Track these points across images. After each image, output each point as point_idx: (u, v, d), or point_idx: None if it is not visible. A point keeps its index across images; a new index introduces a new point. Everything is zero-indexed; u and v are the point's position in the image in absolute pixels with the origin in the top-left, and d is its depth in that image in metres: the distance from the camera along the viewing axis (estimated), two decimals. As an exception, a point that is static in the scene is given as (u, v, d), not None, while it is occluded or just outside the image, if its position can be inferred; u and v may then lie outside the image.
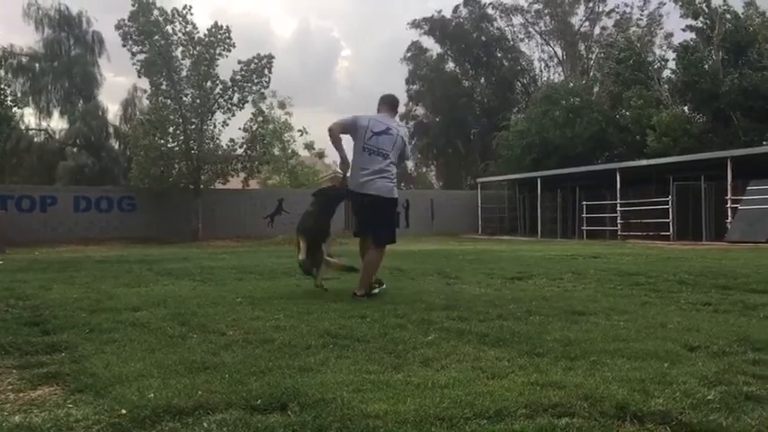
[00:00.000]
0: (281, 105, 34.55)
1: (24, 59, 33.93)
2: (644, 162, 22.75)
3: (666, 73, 27.66)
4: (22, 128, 32.08)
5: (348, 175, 6.26)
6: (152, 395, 2.74)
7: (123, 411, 2.55)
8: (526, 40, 42.14)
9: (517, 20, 41.53)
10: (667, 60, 28.28)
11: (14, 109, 23.24)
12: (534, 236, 25.72)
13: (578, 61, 41.21)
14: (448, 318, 4.71)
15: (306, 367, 3.28)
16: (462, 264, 10.20)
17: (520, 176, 27.83)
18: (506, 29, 41.91)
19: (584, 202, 24.24)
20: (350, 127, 6.14)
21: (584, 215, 24.09)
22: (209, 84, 23.71)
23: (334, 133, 6.06)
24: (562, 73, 40.78)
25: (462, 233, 27.49)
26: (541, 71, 42.65)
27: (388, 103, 6.42)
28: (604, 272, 8.44)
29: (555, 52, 42.04)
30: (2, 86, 21.55)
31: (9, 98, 21.45)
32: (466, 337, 4.05)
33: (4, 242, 17.35)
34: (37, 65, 34.17)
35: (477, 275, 8.11)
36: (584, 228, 23.99)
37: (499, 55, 41.87)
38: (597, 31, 40.75)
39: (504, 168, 30.51)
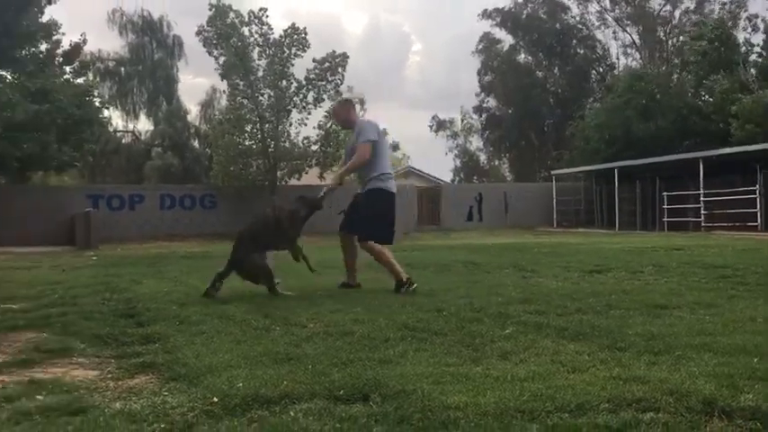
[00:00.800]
0: (360, 102, 34.98)
1: (111, 64, 35.54)
2: (729, 150, 21.75)
3: (752, 57, 26.39)
4: (111, 130, 33.58)
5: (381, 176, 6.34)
6: (240, 384, 2.87)
7: (215, 399, 2.68)
8: (602, 28, 41.01)
9: (593, 7, 40.46)
10: (753, 45, 26.96)
11: (103, 111, 24.34)
12: (612, 228, 25.06)
13: (657, 46, 39.74)
14: (525, 311, 4.69)
15: (385, 359, 3.34)
16: (538, 257, 10.08)
17: (596, 168, 27.14)
18: (581, 16, 40.90)
19: (665, 193, 23.44)
20: (380, 136, 6.44)
21: (664, 206, 23.30)
22: (284, 83, 24.21)
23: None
24: (640, 60, 39.46)
25: (537, 226, 27.07)
26: (618, 58, 41.46)
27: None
28: (688, 264, 8.17)
29: (632, 39, 40.74)
30: (91, 91, 22.60)
31: (97, 101, 22.48)
32: (544, 330, 4.03)
33: (96, 239, 18.27)
34: (122, 69, 35.74)
35: (553, 269, 8.01)
36: (665, 219, 23.21)
37: (574, 43, 40.89)
38: (678, 15, 39.21)
39: (580, 159, 29.79)
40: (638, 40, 40.45)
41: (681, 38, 36.13)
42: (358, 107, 34.00)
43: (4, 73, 18.47)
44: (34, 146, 16.96)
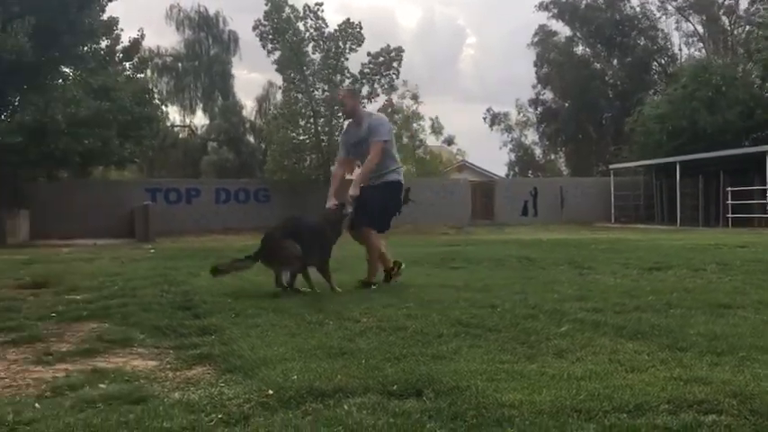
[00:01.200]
0: (414, 97, 34.96)
1: (168, 60, 36.36)
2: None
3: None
4: (168, 125, 34.39)
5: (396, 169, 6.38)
6: (295, 377, 2.90)
7: (270, 392, 2.72)
8: (663, 18, 39.82)
9: (652, -4, 39.28)
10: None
11: (161, 107, 24.92)
12: (673, 224, 24.40)
13: (721, 36, 38.39)
14: (581, 309, 4.60)
15: (439, 355, 3.33)
16: (595, 253, 9.88)
17: (657, 162, 26.41)
18: (642, 6, 39.77)
19: (730, 188, 22.67)
20: (390, 134, 6.41)
21: (729, 202, 22.55)
22: (338, 77, 24.35)
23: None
24: (703, 50, 38.19)
25: (594, 222, 26.56)
26: (680, 49, 40.21)
27: None
28: (753, 262, 7.87)
29: (695, 29, 39.45)
30: (150, 87, 23.17)
31: (156, 97, 23.04)
32: (601, 328, 3.95)
33: (154, 232, 18.76)
34: (180, 64, 36.52)
35: (611, 265, 7.83)
36: (730, 215, 22.46)
37: (634, 34, 39.83)
38: (743, 4, 37.75)
39: (640, 153, 29.01)
40: (701, 30, 39.17)
41: (747, 27, 34.81)
42: (411, 101, 34.03)
43: (67, 70, 19.09)
44: (96, 141, 17.48)
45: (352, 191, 6.06)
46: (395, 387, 2.76)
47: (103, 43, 19.27)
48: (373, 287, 5.94)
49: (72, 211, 22.08)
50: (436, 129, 36.67)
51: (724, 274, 6.80)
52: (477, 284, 6.06)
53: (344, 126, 6.68)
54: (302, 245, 5.62)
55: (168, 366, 3.32)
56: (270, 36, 24.03)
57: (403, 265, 6.48)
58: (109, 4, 18.37)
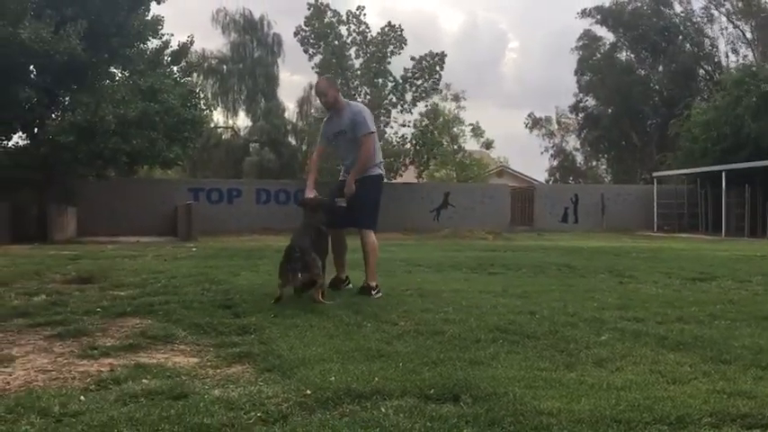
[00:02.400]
0: (455, 98, 34.84)
1: (214, 62, 36.93)
2: None
3: None
4: (212, 125, 34.91)
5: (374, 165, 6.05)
6: (333, 378, 2.93)
7: (308, 392, 2.75)
8: (710, 25, 38.99)
9: (700, 2, 38.54)
10: None
11: (206, 111, 25.31)
12: (718, 234, 23.83)
13: (771, 42, 37.42)
14: (622, 318, 4.55)
15: (476, 360, 3.32)
16: (636, 262, 9.73)
17: (702, 170, 25.83)
18: (687, 11, 39.01)
19: (777, 199, 22.07)
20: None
21: (776, 212, 21.94)
22: (380, 81, 24.43)
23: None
24: (753, 56, 37.26)
25: (635, 230, 26.09)
26: (728, 55, 39.29)
27: None
28: (801, 275, 7.67)
29: (743, 34, 38.52)
30: (197, 91, 23.56)
31: (202, 101, 23.41)
32: (642, 338, 3.89)
33: (197, 231, 19.05)
34: (224, 67, 37.07)
35: (653, 274, 7.70)
36: (777, 226, 21.86)
37: (679, 40, 39.08)
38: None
39: (684, 161, 28.39)
40: (749, 35, 38.23)
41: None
42: (454, 104, 33.92)
43: (116, 71, 19.54)
44: (143, 142, 17.87)
45: (348, 189, 5.86)
46: (432, 391, 2.77)
47: (152, 45, 19.66)
48: (377, 294, 5.63)
49: (118, 210, 22.58)
50: (477, 133, 36.59)
51: (771, 286, 6.63)
52: (516, 291, 6.02)
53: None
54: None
55: (209, 364, 3.37)
56: (311, 41, 24.23)
57: (350, 285, 6.13)
58: (156, 6, 18.73)
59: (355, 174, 5.92)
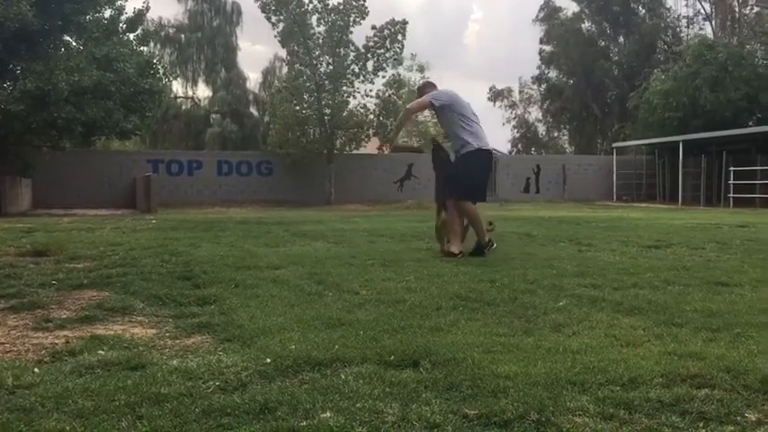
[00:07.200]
0: (421, 69, 34.58)
1: (171, 31, 36.09)
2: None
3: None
4: (171, 96, 34.22)
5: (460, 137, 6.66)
6: (293, 347, 2.93)
7: (268, 360, 2.75)
8: (671, -5, 39.34)
9: (661, -27, 38.78)
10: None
11: (165, 81, 24.74)
12: (674, 203, 24.36)
13: (728, 16, 37.97)
14: (579, 285, 4.63)
15: (436, 327, 3.36)
16: (595, 231, 9.89)
17: (660, 140, 26.27)
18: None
19: (732, 168, 22.62)
20: (445, 101, 6.73)
21: (731, 182, 22.50)
22: (342, 51, 24.16)
23: (411, 112, 7.56)
24: (710, 30, 37.82)
25: (596, 200, 26.53)
26: (688, 27, 39.80)
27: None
28: (752, 242, 7.90)
29: (702, 7, 39.03)
30: (155, 61, 23.00)
31: (161, 71, 22.88)
32: (599, 304, 3.97)
33: (156, 203, 18.77)
34: (182, 36, 36.26)
35: (611, 243, 7.84)
36: (731, 195, 22.42)
37: (641, 12, 39.41)
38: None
39: (643, 132, 28.87)
40: (708, 9, 38.75)
41: (754, 8, 34.42)
42: (419, 75, 33.68)
43: (70, 39, 18.94)
44: (98, 112, 17.44)
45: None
46: (392, 358, 2.79)
47: (107, 13, 19.06)
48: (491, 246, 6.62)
49: (74, 182, 22.12)
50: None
51: (723, 252, 6.82)
52: (477, 260, 6.08)
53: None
54: None
55: (167, 335, 3.34)
56: (272, 7, 23.78)
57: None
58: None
59: None
